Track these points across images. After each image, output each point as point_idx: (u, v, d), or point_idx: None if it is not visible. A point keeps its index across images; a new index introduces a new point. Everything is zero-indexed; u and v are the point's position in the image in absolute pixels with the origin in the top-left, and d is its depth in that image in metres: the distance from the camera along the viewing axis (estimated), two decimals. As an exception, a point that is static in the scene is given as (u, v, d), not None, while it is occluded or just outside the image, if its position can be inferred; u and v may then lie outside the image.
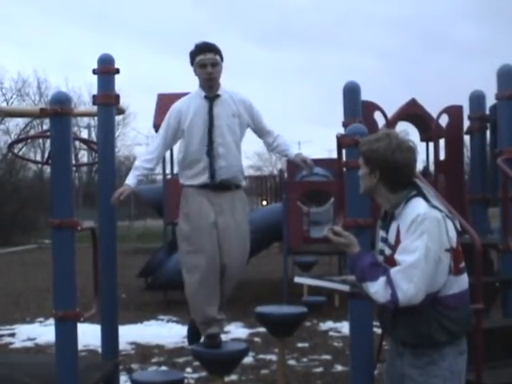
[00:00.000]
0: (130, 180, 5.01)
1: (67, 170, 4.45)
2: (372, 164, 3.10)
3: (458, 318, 3.02)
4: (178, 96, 14.34)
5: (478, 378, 3.95)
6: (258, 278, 14.10)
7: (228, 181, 4.93)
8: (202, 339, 4.97)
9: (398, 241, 3.01)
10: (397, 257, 2.98)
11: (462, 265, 3.08)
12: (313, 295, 11.18)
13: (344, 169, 4.61)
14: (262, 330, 9.40)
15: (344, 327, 9.68)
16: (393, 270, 2.96)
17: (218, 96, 4.96)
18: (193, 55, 4.96)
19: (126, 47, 59.55)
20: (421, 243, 2.91)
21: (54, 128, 4.42)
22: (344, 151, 4.53)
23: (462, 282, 3.09)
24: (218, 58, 4.92)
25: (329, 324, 9.80)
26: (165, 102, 13.24)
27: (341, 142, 4.57)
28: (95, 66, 5.38)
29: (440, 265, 2.95)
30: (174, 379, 5.03)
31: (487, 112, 5.87)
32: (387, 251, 3.10)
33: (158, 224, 21.38)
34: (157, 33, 70.15)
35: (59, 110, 4.34)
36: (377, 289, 2.99)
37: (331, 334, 9.28)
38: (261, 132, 5.13)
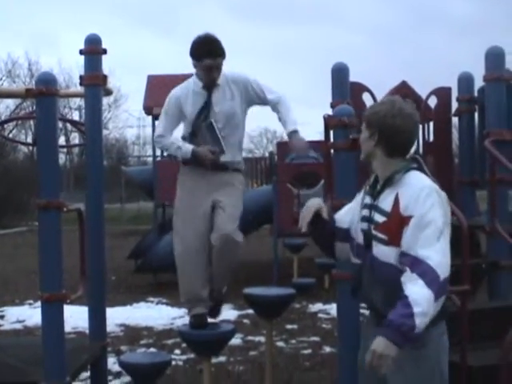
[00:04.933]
0: (188, 146, 4.97)
1: (53, 151, 4.40)
2: (372, 127, 3.09)
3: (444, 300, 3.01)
4: (168, 77, 14.30)
5: (463, 359, 3.96)
6: (248, 260, 14.09)
7: (226, 163, 4.94)
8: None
9: (396, 208, 2.96)
10: (409, 231, 2.91)
11: None
12: (303, 277, 11.25)
13: (332, 150, 4.60)
14: (251, 311, 9.38)
15: (333, 309, 9.68)
16: (409, 252, 2.88)
17: (216, 85, 4.95)
18: (198, 54, 4.84)
19: (115, 26, 59.02)
20: (434, 214, 2.88)
21: (40, 108, 4.37)
22: (332, 132, 4.51)
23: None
24: (223, 59, 4.89)
25: (318, 306, 9.82)
26: (154, 84, 13.19)
27: (328, 123, 4.56)
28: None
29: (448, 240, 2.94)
30: (162, 361, 5.05)
31: (475, 94, 5.86)
32: (379, 218, 3.03)
33: (151, 206, 21.35)
34: (136, 7, 68.64)
35: (44, 90, 4.29)
36: (415, 285, 2.80)
37: (320, 315, 9.30)
38: (264, 103, 5.06)
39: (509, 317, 4.43)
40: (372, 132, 3.09)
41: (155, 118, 13.08)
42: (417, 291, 2.78)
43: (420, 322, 2.75)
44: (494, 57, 5.27)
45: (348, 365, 4.36)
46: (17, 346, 5.50)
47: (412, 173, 3.05)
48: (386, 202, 3.04)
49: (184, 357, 7.02)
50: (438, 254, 2.84)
